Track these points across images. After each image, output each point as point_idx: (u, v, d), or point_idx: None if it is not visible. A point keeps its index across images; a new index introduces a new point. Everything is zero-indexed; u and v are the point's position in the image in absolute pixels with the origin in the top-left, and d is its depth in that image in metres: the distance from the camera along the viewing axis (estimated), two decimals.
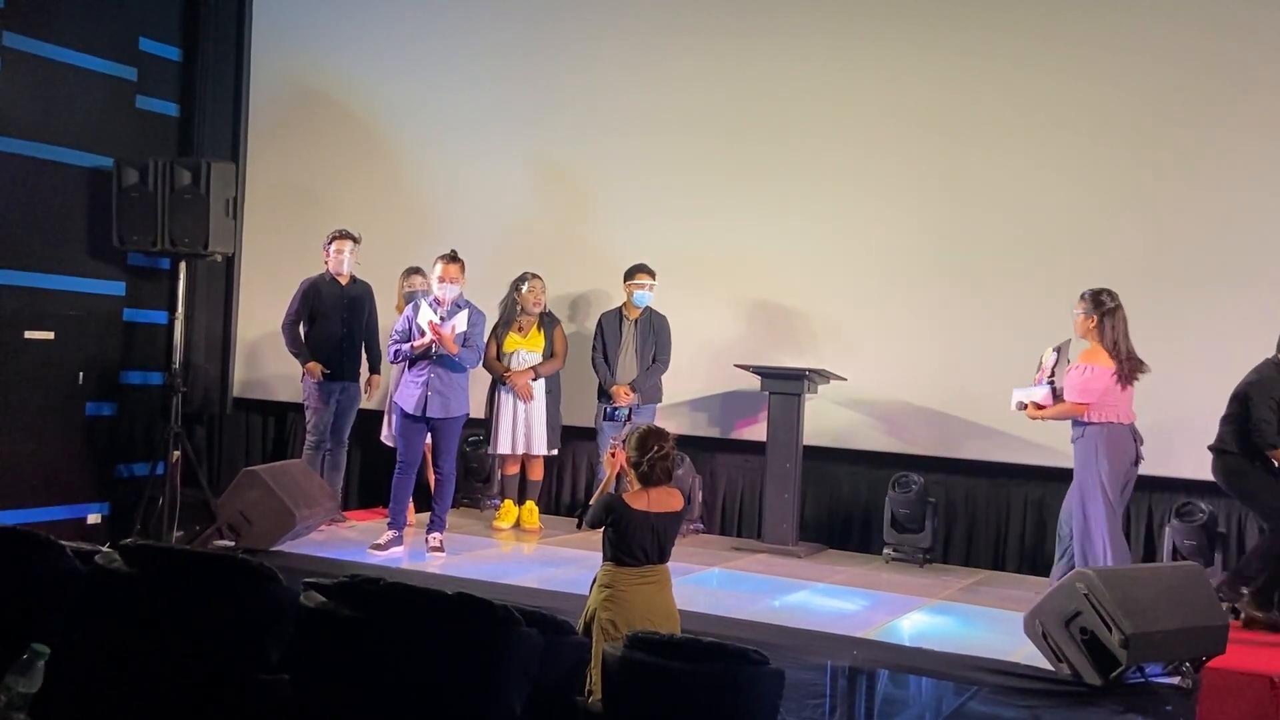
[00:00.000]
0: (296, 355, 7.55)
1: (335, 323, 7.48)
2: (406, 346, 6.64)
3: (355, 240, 7.55)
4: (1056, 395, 6.01)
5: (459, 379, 6.73)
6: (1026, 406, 6.11)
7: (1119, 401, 5.82)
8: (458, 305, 6.68)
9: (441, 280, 6.65)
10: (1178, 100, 6.82)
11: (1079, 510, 5.93)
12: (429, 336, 6.54)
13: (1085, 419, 5.86)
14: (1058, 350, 6.15)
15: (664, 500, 4.58)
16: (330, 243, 7.51)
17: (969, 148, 7.27)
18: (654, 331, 7.49)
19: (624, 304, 7.59)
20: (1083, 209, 7.00)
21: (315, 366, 7.42)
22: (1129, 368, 5.81)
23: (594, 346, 7.62)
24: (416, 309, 6.70)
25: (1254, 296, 6.53)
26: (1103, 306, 5.88)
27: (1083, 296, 5.97)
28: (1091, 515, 5.87)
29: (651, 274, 7.52)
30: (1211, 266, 6.69)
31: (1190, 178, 6.79)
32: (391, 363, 7.05)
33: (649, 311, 7.54)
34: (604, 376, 7.53)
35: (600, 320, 7.65)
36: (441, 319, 6.57)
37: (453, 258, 6.68)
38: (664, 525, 4.56)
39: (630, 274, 7.55)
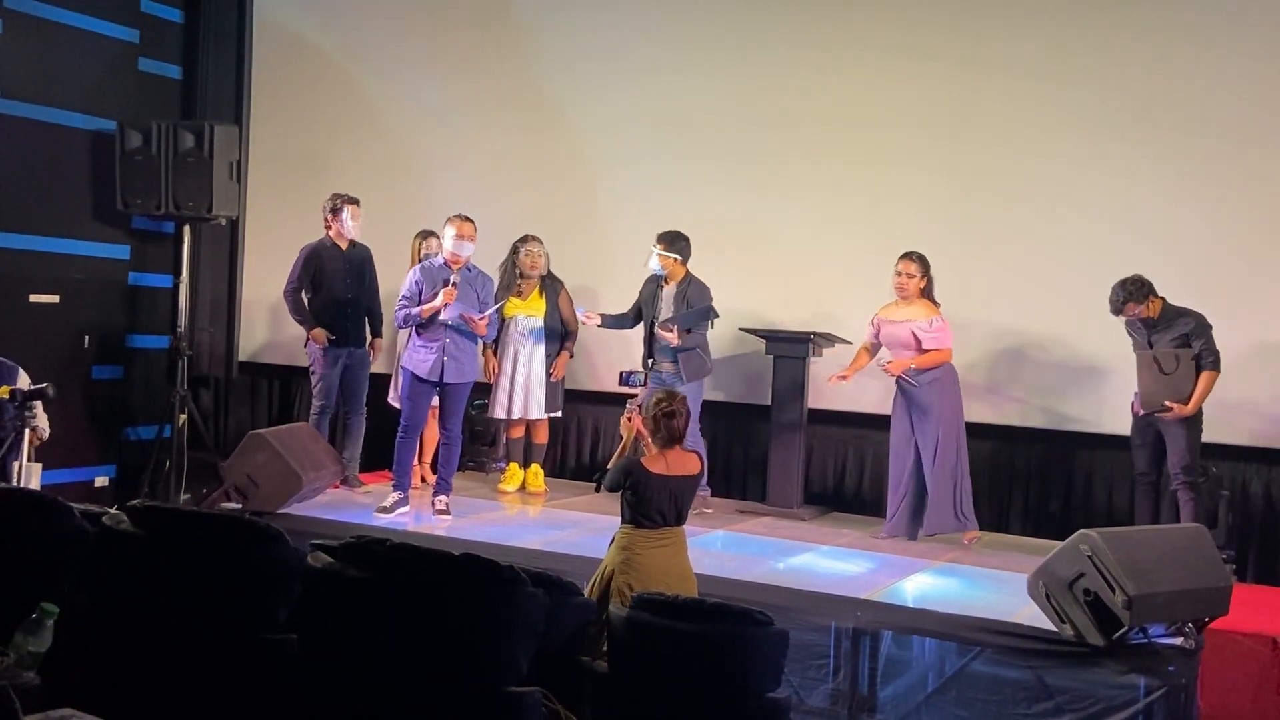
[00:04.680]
0: (301, 322, 7.52)
1: (339, 288, 7.45)
2: (415, 311, 6.62)
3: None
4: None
5: (471, 344, 6.77)
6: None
7: None
8: (468, 269, 6.69)
9: (461, 238, 6.63)
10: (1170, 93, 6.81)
11: (950, 446, 6.46)
12: (448, 313, 6.52)
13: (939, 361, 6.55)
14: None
15: (681, 464, 4.63)
16: (340, 208, 7.43)
17: (975, 117, 7.21)
18: (687, 301, 7.11)
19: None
20: (1087, 177, 6.97)
21: (321, 333, 7.39)
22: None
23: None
24: (423, 271, 6.69)
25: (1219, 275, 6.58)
26: (929, 268, 6.55)
27: (911, 258, 6.52)
28: (961, 446, 6.52)
29: (659, 240, 7.10)
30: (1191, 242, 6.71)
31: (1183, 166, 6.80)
32: (399, 327, 7.03)
33: (688, 279, 7.15)
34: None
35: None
36: (454, 283, 6.53)
37: (468, 218, 6.69)
38: (681, 489, 4.61)
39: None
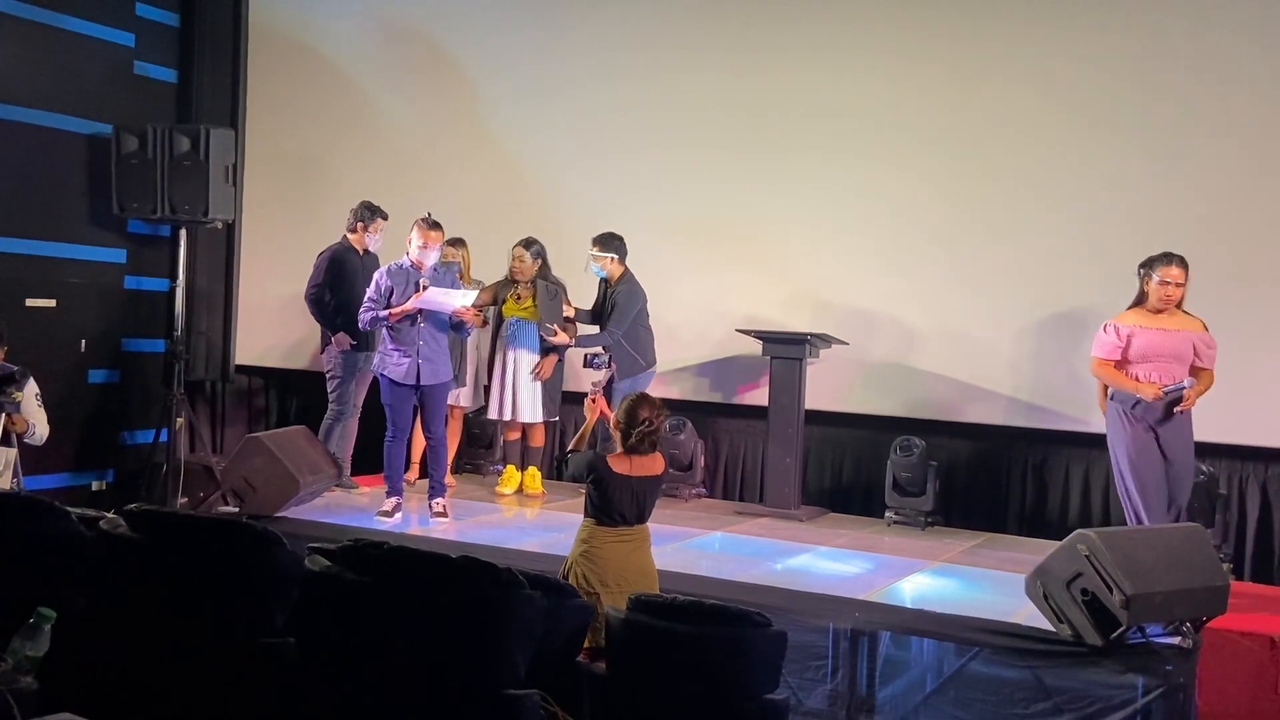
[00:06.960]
0: (326, 326, 7.46)
1: (357, 293, 7.41)
2: (384, 313, 6.56)
3: None
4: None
5: (444, 345, 6.75)
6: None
7: None
8: (434, 269, 6.69)
9: (435, 245, 6.62)
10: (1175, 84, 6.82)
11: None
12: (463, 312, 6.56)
13: None
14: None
15: (645, 465, 4.67)
16: (374, 219, 7.40)
17: (971, 114, 7.22)
18: (615, 300, 7.20)
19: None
20: (1084, 175, 6.98)
21: (344, 337, 7.36)
22: None
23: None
24: (389, 273, 6.62)
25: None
26: None
27: (1182, 263, 5.57)
28: None
29: (594, 243, 7.20)
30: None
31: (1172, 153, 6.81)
32: (363, 329, 6.94)
33: (622, 277, 7.24)
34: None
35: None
36: (423, 285, 6.52)
37: (436, 223, 6.64)
38: (644, 488, 4.65)
39: None
